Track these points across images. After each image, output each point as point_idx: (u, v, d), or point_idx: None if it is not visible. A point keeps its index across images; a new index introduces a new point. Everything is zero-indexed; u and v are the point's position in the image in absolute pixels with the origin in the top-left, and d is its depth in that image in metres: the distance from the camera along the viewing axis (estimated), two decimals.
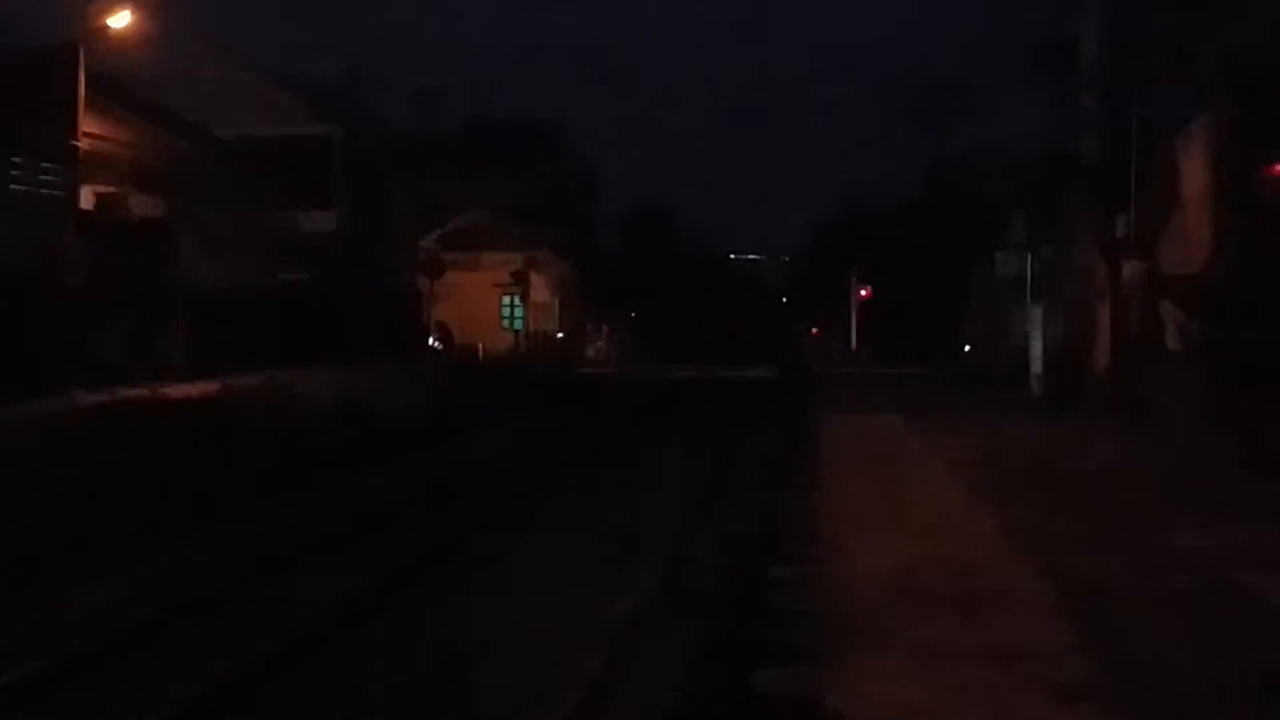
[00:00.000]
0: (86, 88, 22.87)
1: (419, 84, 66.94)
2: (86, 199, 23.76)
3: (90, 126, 23.41)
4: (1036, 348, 27.93)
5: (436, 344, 37.58)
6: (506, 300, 45.08)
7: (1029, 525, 11.45)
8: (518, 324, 43.69)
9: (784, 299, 74.29)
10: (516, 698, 7.54)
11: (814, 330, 63.26)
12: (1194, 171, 20.19)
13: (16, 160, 21.55)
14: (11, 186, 21.42)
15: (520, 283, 44.43)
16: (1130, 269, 22.54)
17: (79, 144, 23.00)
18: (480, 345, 38.52)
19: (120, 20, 23.43)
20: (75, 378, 19.61)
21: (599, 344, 53.44)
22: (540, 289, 46.41)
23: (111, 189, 24.93)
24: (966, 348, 40.09)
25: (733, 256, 78.68)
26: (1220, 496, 13.16)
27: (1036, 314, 28.40)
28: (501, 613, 9.54)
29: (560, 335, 47.65)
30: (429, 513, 13.97)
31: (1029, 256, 29.57)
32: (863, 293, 57.81)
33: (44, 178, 22.30)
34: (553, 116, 48.77)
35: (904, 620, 7.87)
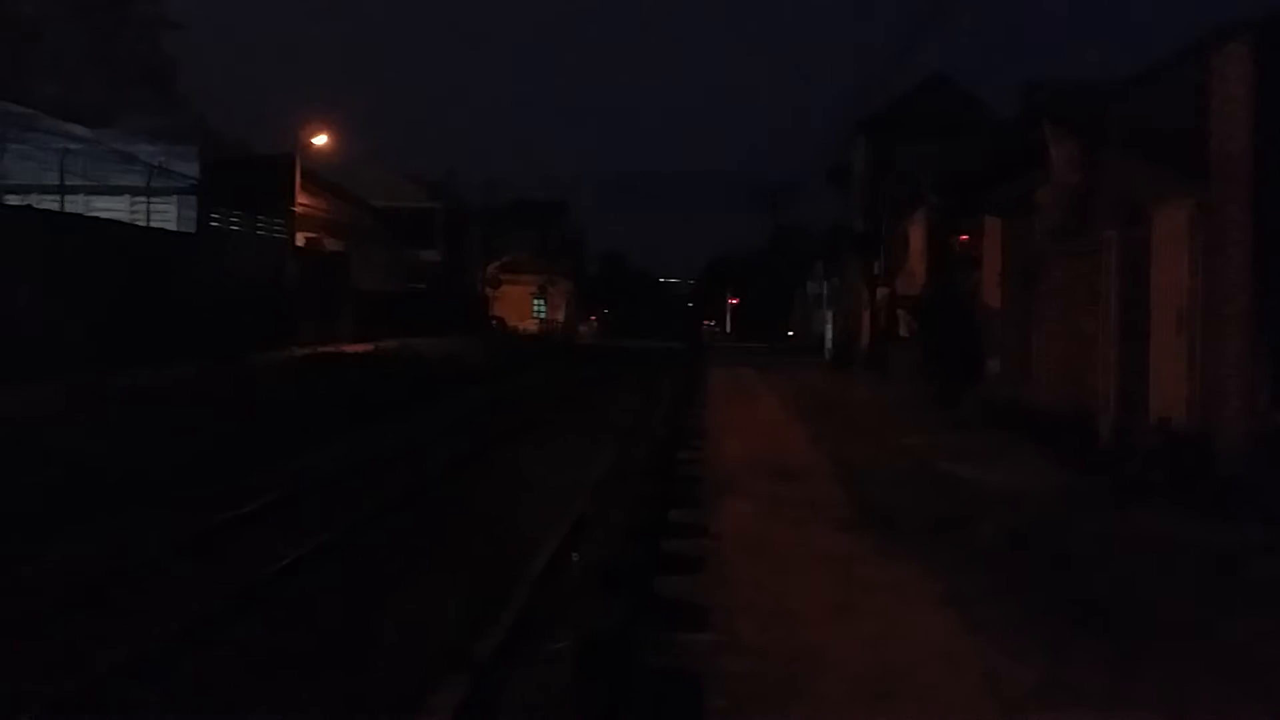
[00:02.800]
0: (300, 178, 31.74)
1: (487, 173, 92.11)
2: (299, 240, 32.03)
3: (301, 199, 32.10)
4: (829, 334, 39.31)
5: (497, 325, 54.37)
6: (535, 301, 67.69)
7: (822, 431, 15.59)
8: (541, 314, 65.94)
9: (689, 304, 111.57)
10: (559, 481, 13.05)
11: (705, 321, 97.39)
12: (916, 237, 28.59)
13: (261, 218, 29.19)
14: (258, 232, 29.14)
15: (542, 292, 68.47)
16: (880, 292, 32.26)
17: (295, 209, 31.29)
18: (520, 326, 57.63)
19: (319, 139, 34.06)
20: (292, 341, 26.59)
21: (586, 328, 77.73)
22: (554, 296, 69.58)
23: (313, 235, 34.27)
24: (790, 333, 57.48)
25: (660, 279, 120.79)
26: (925, 419, 17.73)
27: (828, 315, 40.17)
28: (543, 452, 16.16)
29: (564, 322, 69.70)
30: (497, 413, 22.16)
31: (824, 284, 41.99)
32: (733, 301, 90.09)
33: (276, 228, 29.92)
34: (560, 198, 73.32)
35: (750, 482, 10.60)
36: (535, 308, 67.09)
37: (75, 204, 24.17)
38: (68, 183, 24.68)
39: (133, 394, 15.08)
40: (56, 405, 13.38)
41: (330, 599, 8.63)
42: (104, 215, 22.95)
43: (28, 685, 6.33)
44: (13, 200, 23.08)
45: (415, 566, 9.72)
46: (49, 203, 23.34)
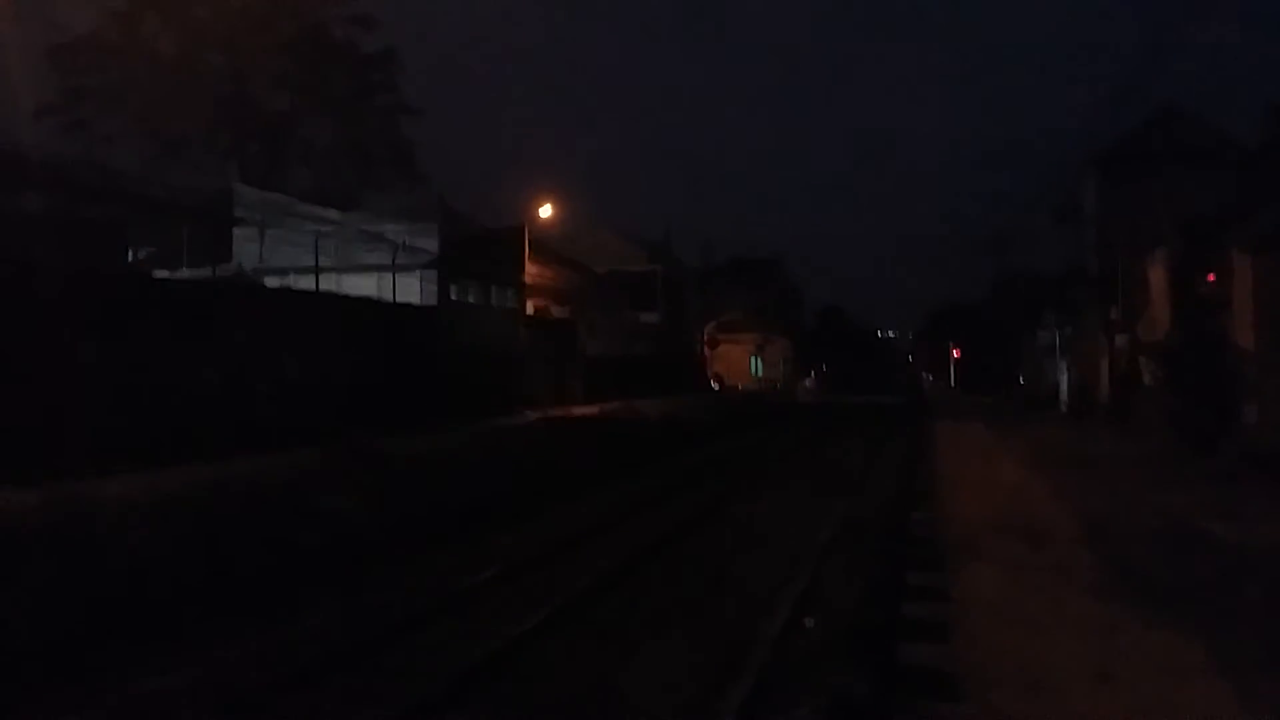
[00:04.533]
0: (528, 248, 33.48)
1: (704, 234, 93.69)
2: (529, 308, 33.80)
3: (530, 268, 33.76)
4: (1064, 384, 37.63)
5: (715, 384, 54.31)
6: (753, 359, 67.49)
7: (1065, 486, 15.05)
8: (759, 373, 65.96)
9: (910, 356, 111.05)
10: (789, 541, 13.12)
11: (927, 375, 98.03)
12: (1157, 278, 27.81)
13: (495, 287, 31.28)
14: (491, 301, 31.03)
15: (760, 350, 68.03)
16: (1119, 339, 30.96)
17: (524, 279, 33.21)
18: (739, 384, 58.03)
19: (545, 211, 35.32)
20: (525, 404, 28.55)
21: (805, 384, 76.42)
22: (771, 353, 69.58)
23: (541, 303, 35.93)
24: (1020, 382, 54.63)
25: (879, 332, 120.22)
26: (1177, 473, 16.80)
27: (1063, 365, 38.39)
28: (770, 512, 15.94)
29: (782, 379, 69.69)
30: (720, 470, 22.28)
31: (1056, 331, 40.12)
32: (955, 352, 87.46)
33: (508, 297, 31.91)
34: (774, 255, 75.71)
35: (990, 544, 10.25)
36: (753, 365, 67.18)
37: (328, 282, 25.94)
38: (321, 263, 26.61)
39: (387, 457, 16.00)
40: (319, 468, 14.35)
41: (575, 656, 8.86)
42: (354, 292, 24.52)
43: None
44: (272, 281, 25.14)
45: (650, 627, 9.85)
46: (305, 282, 25.22)
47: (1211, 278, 21.58)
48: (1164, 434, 22.04)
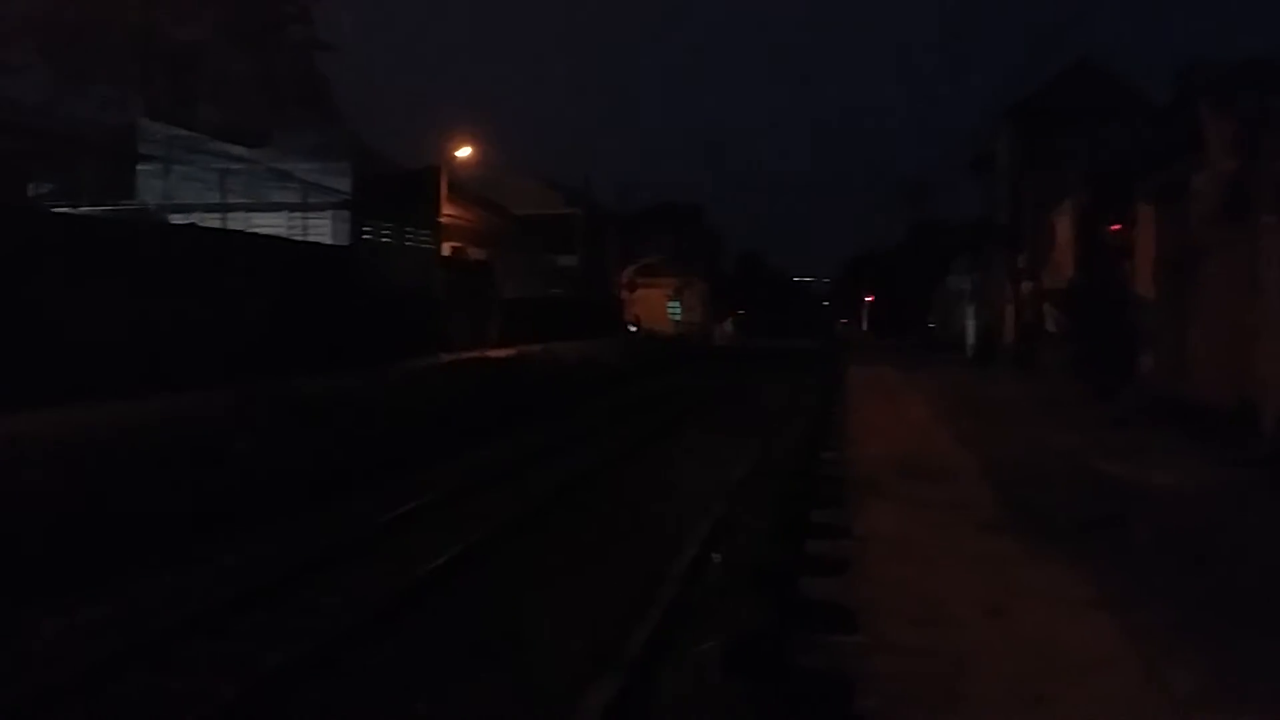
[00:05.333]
0: (445, 189, 32.37)
1: (624, 180, 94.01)
2: (445, 249, 32.41)
3: (446, 209, 32.58)
4: (971, 329, 38.61)
5: (633, 328, 54.63)
6: (671, 304, 67.42)
7: (968, 430, 15.15)
8: (677, 316, 65.68)
9: (826, 302, 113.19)
10: (702, 481, 13.87)
11: (841, 320, 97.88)
12: (1064, 228, 27.76)
13: (410, 229, 29.68)
14: (407, 242, 29.57)
15: (678, 294, 68.09)
16: (1025, 286, 31.37)
17: (441, 220, 31.97)
18: (657, 328, 57.91)
19: (463, 152, 34.87)
20: (440, 347, 27.49)
21: (723, 328, 77.20)
22: (689, 298, 69.46)
23: (458, 244, 34.74)
24: (931, 326, 55.91)
25: (796, 278, 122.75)
26: (1077, 416, 16.81)
27: (971, 310, 39.34)
28: (685, 453, 16.69)
29: (700, 323, 69.59)
30: (637, 415, 22.86)
31: (966, 279, 40.93)
32: (870, 298, 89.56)
33: (424, 237, 30.47)
34: (694, 202, 76.44)
35: (894, 483, 10.44)
36: (671, 310, 67.38)
37: (236, 221, 25.38)
38: (229, 201, 25.98)
39: (296, 400, 15.79)
40: (225, 411, 14.13)
41: (484, 592, 8.94)
42: (264, 231, 24.05)
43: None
44: (178, 219, 24.51)
45: (563, 566, 9.97)
46: (212, 220, 24.64)
47: (1117, 227, 21.82)
48: (1065, 379, 22.44)
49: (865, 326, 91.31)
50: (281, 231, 25.21)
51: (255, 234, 23.34)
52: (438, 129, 41.03)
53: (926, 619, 6.13)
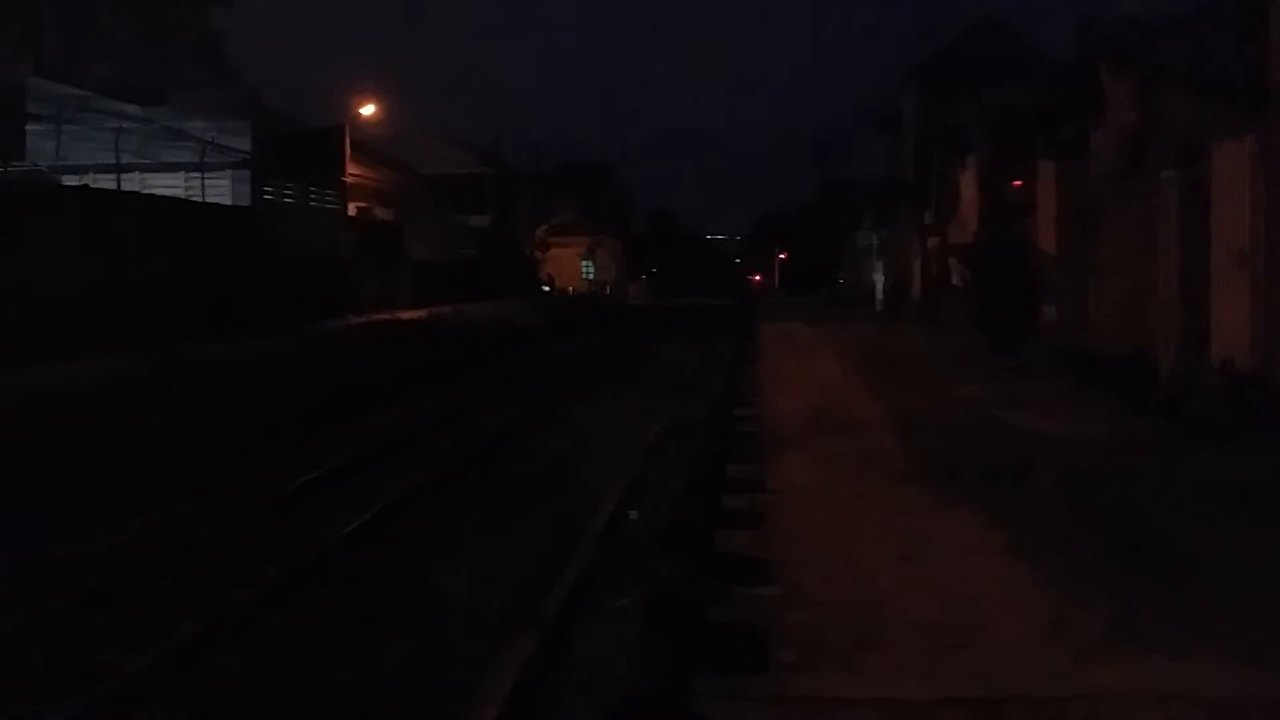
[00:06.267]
0: (349, 149, 31.45)
1: (536, 139, 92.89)
2: (351, 210, 32.00)
3: (352, 169, 31.86)
4: (879, 285, 39.37)
5: (546, 287, 54.43)
6: (584, 263, 67.25)
7: (877, 383, 15.60)
8: (591, 275, 66.05)
9: (738, 259, 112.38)
10: (618, 439, 13.90)
11: (754, 277, 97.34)
12: (968, 184, 28.15)
13: (314, 189, 29.54)
14: (311, 203, 29.49)
15: (591, 253, 67.84)
16: (932, 242, 31.98)
17: (346, 179, 31.27)
18: (570, 287, 57.91)
19: (368, 110, 34.07)
20: (348, 309, 26.71)
21: (635, 288, 77.45)
22: (602, 257, 69.36)
23: (365, 205, 34.06)
24: (841, 281, 56.68)
25: (709, 236, 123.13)
26: (981, 368, 17.47)
27: (879, 266, 40.15)
28: (600, 411, 16.86)
29: (613, 282, 70.02)
30: (551, 374, 22.95)
31: (875, 235, 41.69)
32: (782, 256, 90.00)
33: (329, 198, 30.22)
34: (606, 160, 76.16)
35: (807, 436, 10.78)
36: (584, 269, 67.11)
37: (131, 182, 24.54)
38: (123, 161, 25.06)
39: (194, 366, 15.40)
40: (123, 377, 13.72)
41: (400, 555, 8.85)
42: (160, 192, 23.36)
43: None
44: (70, 180, 23.59)
45: (480, 527, 9.90)
46: (105, 182, 23.74)
47: (1018, 183, 22.12)
48: (970, 331, 22.70)
49: (777, 283, 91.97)
50: (179, 193, 24.55)
51: (151, 195, 22.68)
52: (343, 88, 40.44)
53: (840, 569, 6.21)
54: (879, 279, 40.06)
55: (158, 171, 25.35)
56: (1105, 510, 7.78)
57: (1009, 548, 6.65)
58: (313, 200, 29.87)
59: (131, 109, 26.19)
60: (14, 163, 25.39)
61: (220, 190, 25.44)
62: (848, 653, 4.90)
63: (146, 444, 11.97)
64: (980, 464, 9.16)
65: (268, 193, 26.77)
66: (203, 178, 25.16)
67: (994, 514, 7.47)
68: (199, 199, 24.58)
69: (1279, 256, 10.34)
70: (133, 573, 8.19)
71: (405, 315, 28.75)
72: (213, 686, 6.24)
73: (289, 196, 28.13)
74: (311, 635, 7.04)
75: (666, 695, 4.38)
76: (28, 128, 26.36)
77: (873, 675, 4.64)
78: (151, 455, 11.75)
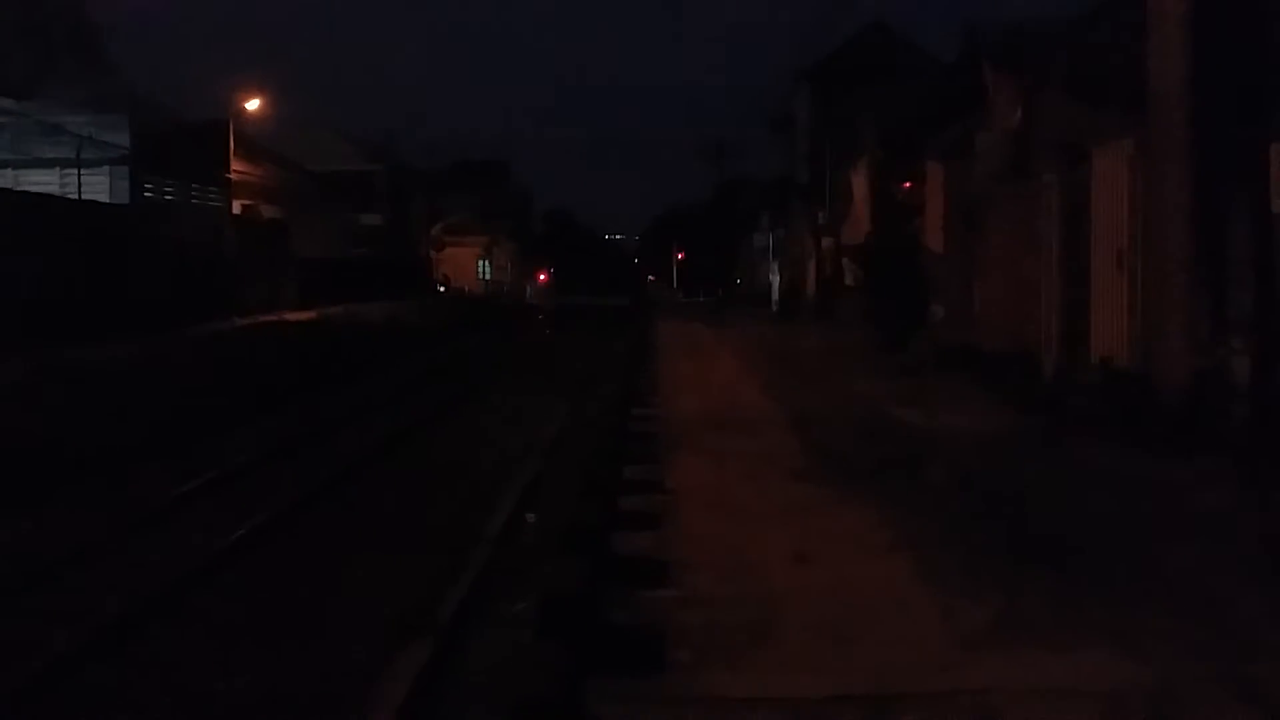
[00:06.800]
0: (234, 144, 31.27)
1: (429, 134, 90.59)
2: (236, 208, 31.55)
3: (237, 166, 31.57)
4: (775, 284, 40.00)
5: (441, 288, 53.69)
6: (480, 263, 66.05)
7: (773, 382, 15.56)
8: (487, 275, 65.12)
9: (635, 259, 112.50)
10: (514, 441, 14.34)
11: (651, 277, 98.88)
12: (860, 185, 28.60)
13: (196, 186, 29.03)
14: (193, 200, 28.83)
15: (487, 253, 66.55)
16: (825, 242, 32.46)
17: (231, 176, 31.00)
18: (466, 287, 56.97)
19: (253, 104, 33.39)
20: (233, 310, 26.66)
21: (533, 286, 77.12)
22: (499, 255, 68.93)
23: (250, 202, 33.35)
24: (739, 281, 57.02)
25: (607, 236, 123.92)
26: (873, 366, 17.74)
27: (775, 266, 40.76)
28: (496, 413, 16.91)
29: (510, 282, 69.71)
30: (446, 376, 22.99)
31: (770, 235, 42.34)
32: (679, 255, 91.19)
33: (212, 195, 29.79)
34: (502, 159, 75.84)
35: (705, 436, 10.71)
36: (480, 269, 66.29)
37: (3, 179, 23.60)
38: None
39: (67, 370, 14.81)
40: None
41: (288, 566, 8.61)
42: (33, 189, 22.49)
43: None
44: None
45: (372, 532, 9.71)
46: None
47: (908, 184, 22.39)
48: (863, 330, 23.00)
49: (675, 283, 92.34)
50: (54, 189, 23.67)
51: (23, 192, 21.82)
52: (228, 81, 39.32)
53: (736, 569, 6.21)
54: (775, 279, 40.44)
55: (31, 168, 24.50)
56: (992, 502, 7.92)
57: (901, 543, 6.72)
58: (195, 197, 29.21)
59: (4, 102, 25.21)
60: None
61: (98, 187, 24.62)
62: (742, 651, 4.90)
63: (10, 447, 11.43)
64: (874, 459, 9.29)
65: (148, 189, 26.01)
66: (79, 174, 24.25)
67: (887, 509, 7.55)
68: (75, 196, 23.69)
69: (1156, 257, 10.66)
70: None
71: (293, 316, 28.31)
72: None
73: (170, 193, 27.40)
74: (199, 646, 6.79)
75: (562, 699, 4.31)
76: None
77: (766, 673, 4.65)
78: (20, 461, 11.23)
